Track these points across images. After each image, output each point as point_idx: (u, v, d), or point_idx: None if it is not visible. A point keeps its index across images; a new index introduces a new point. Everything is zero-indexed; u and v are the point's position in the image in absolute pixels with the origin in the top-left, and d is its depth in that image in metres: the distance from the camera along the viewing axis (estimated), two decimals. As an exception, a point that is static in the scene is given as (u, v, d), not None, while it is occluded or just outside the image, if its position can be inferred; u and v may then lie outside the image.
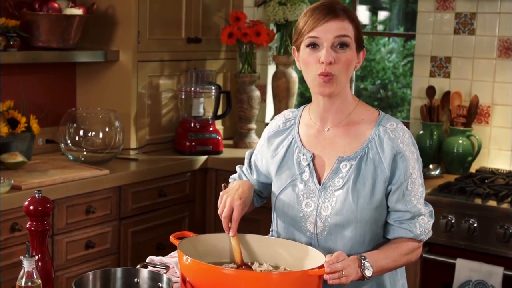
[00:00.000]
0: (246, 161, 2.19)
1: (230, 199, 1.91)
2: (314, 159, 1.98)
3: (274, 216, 2.06)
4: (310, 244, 1.94)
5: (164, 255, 2.20)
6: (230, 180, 2.21)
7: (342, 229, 1.91)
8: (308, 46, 1.90)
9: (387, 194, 1.93)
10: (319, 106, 1.98)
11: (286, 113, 2.11)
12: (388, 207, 1.95)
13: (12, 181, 2.93)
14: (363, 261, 1.80)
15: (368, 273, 1.79)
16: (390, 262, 1.88)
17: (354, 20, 1.90)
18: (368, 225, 1.91)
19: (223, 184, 1.99)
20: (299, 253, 1.90)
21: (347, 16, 1.89)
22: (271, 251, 1.95)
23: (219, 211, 1.92)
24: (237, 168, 2.21)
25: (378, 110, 2.01)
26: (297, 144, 2.01)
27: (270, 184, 2.09)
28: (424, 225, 1.94)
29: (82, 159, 3.43)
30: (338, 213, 1.90)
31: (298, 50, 1.95)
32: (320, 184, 1.95)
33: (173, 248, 2.00)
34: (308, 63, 1.90)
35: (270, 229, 2.11)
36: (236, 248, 1.90)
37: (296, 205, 1.97)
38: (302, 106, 2.10)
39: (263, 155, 2.10)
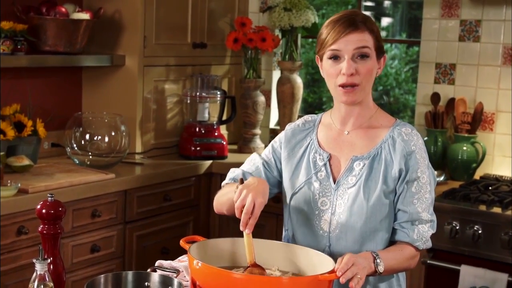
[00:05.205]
0: (250, 163, 2.16)
1: (252, 195, 1.83)
2: (331, 159, 2.04)
3: (287, 215, 2.09)
4: (323, 243, 2.00)
5: (168, 259, 2.21)
6: (227, 181, 2.16)
7: (353, 225, 1.96)
8: (330, 58, 1.98)
9: (395, 193, 1.98)
10: (340, 111, 2.06)
11: (306, 117, 2.17)
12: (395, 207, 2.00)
13: (19, 184, 2.94)
14: (376, 258, 1.84)
15: (381, 269, 1.84)
16: (396, 263, 1.92)
17: (373, 31, 1.98)
18: (378, 221, 1.96)
19: (240, 178, 1.95)
20: (306, 258, 1.91)
21: (366, 27, 1.96)
22: (278, 255, 1.96)
23: (237, 204, 1.84)
24: (231, 173, 2.17)
25: (395, 118, 2.09)
26: (314, 145, 2.08)
27: (278, 183, 2.13)
28: (423, 232, 1.97)
29: (88, 163, 3.43)
30: (350, 210, 1.96)
31: (321, 60, 2.03)
32: (335, 183, 2.01)
33: (177, 252, 2.00)
34: (330, 74, 1.99)
35: (285, 228, 2.12)
36: (249, 246, 1.87)
37: (312, 203, 2.02)
38: (322, 113, 2.16)
39: (281, 150, 2.12)
